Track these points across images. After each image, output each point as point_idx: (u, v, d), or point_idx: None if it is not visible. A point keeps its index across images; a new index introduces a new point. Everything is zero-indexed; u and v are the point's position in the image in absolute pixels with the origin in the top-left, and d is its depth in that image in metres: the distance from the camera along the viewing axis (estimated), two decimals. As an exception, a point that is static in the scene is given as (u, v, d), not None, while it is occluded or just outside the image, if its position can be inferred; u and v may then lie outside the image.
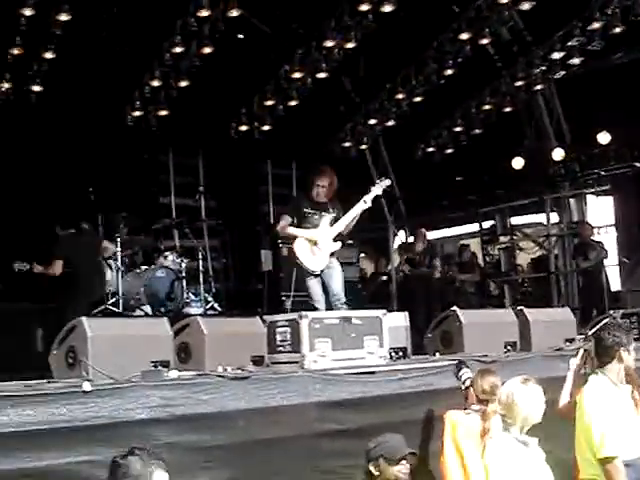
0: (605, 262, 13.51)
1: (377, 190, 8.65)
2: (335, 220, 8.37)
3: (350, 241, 14.10)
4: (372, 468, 4.77)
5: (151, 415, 5.13)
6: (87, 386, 4.95)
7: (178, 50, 12.12)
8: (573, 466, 5.99)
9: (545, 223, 16.14)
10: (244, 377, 5.65)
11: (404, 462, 4.70)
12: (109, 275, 11.00)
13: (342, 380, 6.06)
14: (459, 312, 7.61)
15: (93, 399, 4.95)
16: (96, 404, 4.94)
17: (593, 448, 5.07)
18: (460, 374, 5.97)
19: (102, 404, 4.98)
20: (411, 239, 16.40)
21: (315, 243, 8.22)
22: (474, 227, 17.60)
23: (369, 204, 8.46)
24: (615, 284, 14.01)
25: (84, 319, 5.83)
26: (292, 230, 8.38)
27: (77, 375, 5.52)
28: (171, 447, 5.08)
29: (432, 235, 20.44)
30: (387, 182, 8.95)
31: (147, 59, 12.71)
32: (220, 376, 5.57)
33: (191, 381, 5.45)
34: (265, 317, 6.90)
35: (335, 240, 8.33)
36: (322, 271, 8.23)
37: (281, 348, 6.65)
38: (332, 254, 8.31)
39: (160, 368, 5.67)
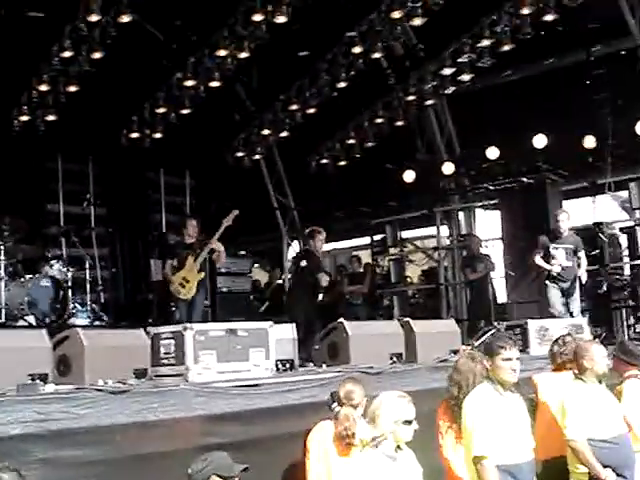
0: (492, 275, 13.78)
1: (225, 224, 10.29)
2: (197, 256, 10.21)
3: (242, 252, 14.11)
4: None
5: (25, 430, 4.96)
6: (-44, 400, 4.77)
7: (67, 54, 11.85)
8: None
9: (435, 235, 16.39)
10: (123, 391, 5.52)
11: (237, 479, 4.57)
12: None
13: (225, 393, 5.98)
14: (346, 324, 7.65)
15: (-37, 413, 4.77)
16: (-34, 419, 4.76)
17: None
18: (333, 406, 5.90)
19: (-27, 419, 4.80)
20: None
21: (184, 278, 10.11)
22: (367, 240, 17.75)
23: (216, 245, 10.29)
24: (502, 296, 14.31)
25: (-44, 331, 5.62)
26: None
27: (-51, 388, 5.30)
28: (46, 463, 4.93)
29: (326, 247, 20.63)
30: (235, 213, 10.46)
31: (35, 63, 12.38)
32: (98, 390, 5.43)
33: (68, 395, 5.29)
34: (149, 329, 6.77)
35: (199, 271, 10.19)
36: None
37: (165, 361, 6.54)
38: (199, 283, 10.16)
39: (37, 382, 5.50)
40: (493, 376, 5.31)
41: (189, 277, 10.13)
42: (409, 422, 4.76)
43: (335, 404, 5.65)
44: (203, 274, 10.27)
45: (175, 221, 15.37)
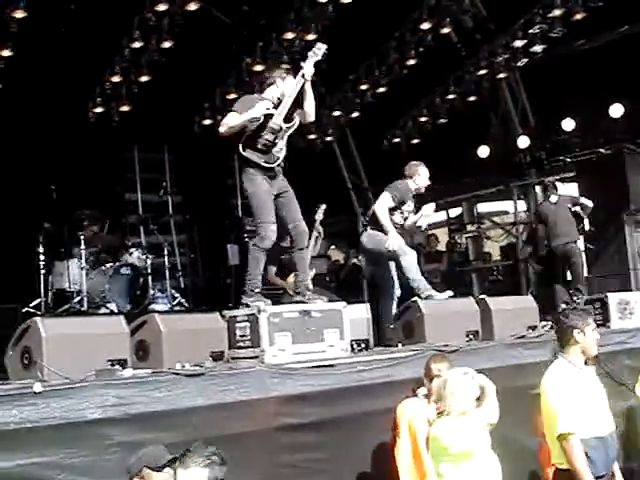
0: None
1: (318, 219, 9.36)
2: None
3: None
4: None
5: (104, 414, 5.06)
6: (38, 387, 4.89)
7: (137, 45, 12.03)
8: (538, 451, 6.09)
9: (512, 211, 16.17)
10: (199, 374, 5.58)
11: (168, 469, 4.58)
12: (73, 273, 10.90)
13: (300, 373, 6.00)
14: (420, 302, 7.61)
15: (45, 400, 4.87)
16: (47, 405, 4.86)
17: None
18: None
19: (54, 404, 4.91)
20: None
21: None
22: (441, 216, 17.59)
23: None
24: (582, 270, 14.01)
25: (38, 319, 5.75)
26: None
27: (32, 376, 5.40)
28: (125, 446, 5.02)
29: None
30: (322, 207, 9.87)
31: (107, 55, 12.60)
32: (175, 373, 5.51)
33: (145, 379, 5.37)
34: (224, 312, 6.83)
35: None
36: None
37: (241, 343, 6.57)
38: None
39: (115, 367, 5.61)
40: (571, 349, 5.27)
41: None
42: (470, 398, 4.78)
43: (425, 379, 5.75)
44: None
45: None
